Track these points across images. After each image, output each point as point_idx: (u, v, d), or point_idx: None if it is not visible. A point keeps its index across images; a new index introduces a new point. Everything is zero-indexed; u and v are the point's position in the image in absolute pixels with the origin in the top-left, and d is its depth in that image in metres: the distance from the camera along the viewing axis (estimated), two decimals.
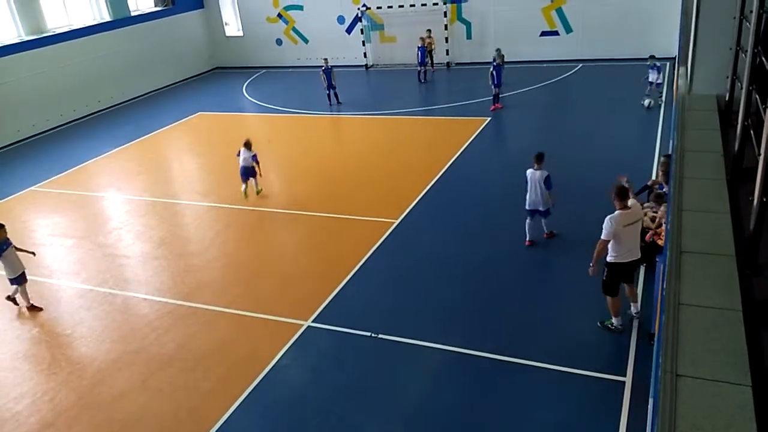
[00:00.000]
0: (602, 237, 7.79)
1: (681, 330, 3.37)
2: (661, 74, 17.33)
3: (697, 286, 3.78)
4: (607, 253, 7.98)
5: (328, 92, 20.69)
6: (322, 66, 20.61)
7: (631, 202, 7.88)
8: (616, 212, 7.76)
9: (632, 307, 8.59)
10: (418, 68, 22.82)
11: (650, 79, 17.33)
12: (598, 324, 8.53)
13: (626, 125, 16.03)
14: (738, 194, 5.01)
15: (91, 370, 8.71)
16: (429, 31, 23.84)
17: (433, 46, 23.70)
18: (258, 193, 14.02)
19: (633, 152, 14.07)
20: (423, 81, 22.91)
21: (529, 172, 10.45)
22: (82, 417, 7.85)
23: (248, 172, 13.78)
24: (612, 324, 8.40)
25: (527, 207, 10.55)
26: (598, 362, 7.80)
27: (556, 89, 20.46)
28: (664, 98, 17.43)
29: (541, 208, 10.39)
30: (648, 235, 9.34)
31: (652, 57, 17.30)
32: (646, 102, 17.25)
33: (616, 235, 7.74)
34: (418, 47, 22.72)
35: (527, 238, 10.74)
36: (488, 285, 9.83)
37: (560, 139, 16.12)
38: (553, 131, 16.88)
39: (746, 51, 5.20)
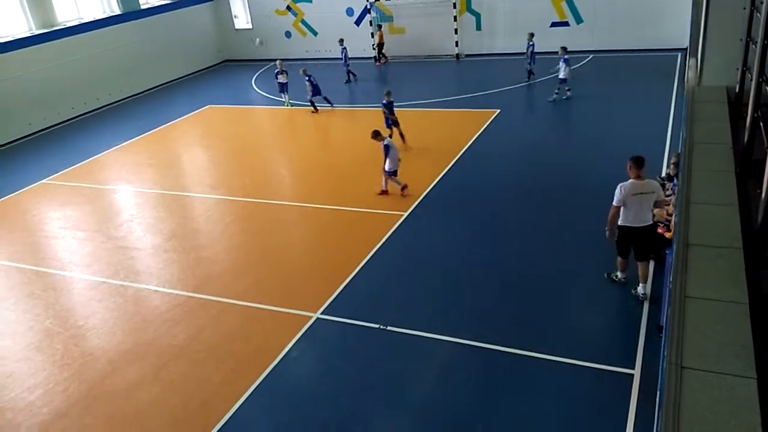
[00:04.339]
0: (613, 203, 8.38)
1: (687, 322, 3.37)
2: (568, 68, 17.32)
3: (703, 279, 3.77)
4: (619, 219, 8.54)
5: (391, 129, 16.07)
6: (383, 101, 16.07)
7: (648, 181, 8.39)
8: (628, 181, 8.26)
9: (640, 287, 8.79)
10: (346, 68, 23.11)
11: (561, 75, 17.38)
12: (605, 275, 9.24)
13: (637, 117, 15.93)
14: (747, 187, 4.98)
15: (103, 362, 8.81)
16: (380, 26, 25.14)
17: (382, 41, 24.97)
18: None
19: (643, 144, 13.96)
20: (348, 81, 23.09)
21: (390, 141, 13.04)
22: (95, 407, 7.95)
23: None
24: (617, 276, 9.10)
25: (393, 168, 12.85)
26: (607, 355, 7.79)
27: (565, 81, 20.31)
28: (567, 94, 17.76)
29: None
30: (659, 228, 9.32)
31: (563, 48, 17.31)
32: (553, 97, 17.76)
33: (624, 203, 8.29)
34: (341, 49, 23.04)
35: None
36: (497, 277, 9.83)
37: (570, 130, 16.08)
38: (561, 124, 16.83)
39: (757, 42, 5.15)
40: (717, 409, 2.88)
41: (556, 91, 17.78)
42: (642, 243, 8.61)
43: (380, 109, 16.14)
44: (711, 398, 2.93)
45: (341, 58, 23.06)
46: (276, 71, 20.62)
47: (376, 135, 13.02)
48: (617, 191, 8.29)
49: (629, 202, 8.27)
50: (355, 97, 21.06)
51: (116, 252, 11.99)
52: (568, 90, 17.74)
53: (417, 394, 7.59)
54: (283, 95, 20.67)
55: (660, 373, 4.39)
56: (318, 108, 19.58)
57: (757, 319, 3.51)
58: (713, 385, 3.00)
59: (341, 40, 23.22)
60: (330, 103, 19.70)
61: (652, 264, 9.25)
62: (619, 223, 8.53)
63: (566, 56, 17.17)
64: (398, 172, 12.94)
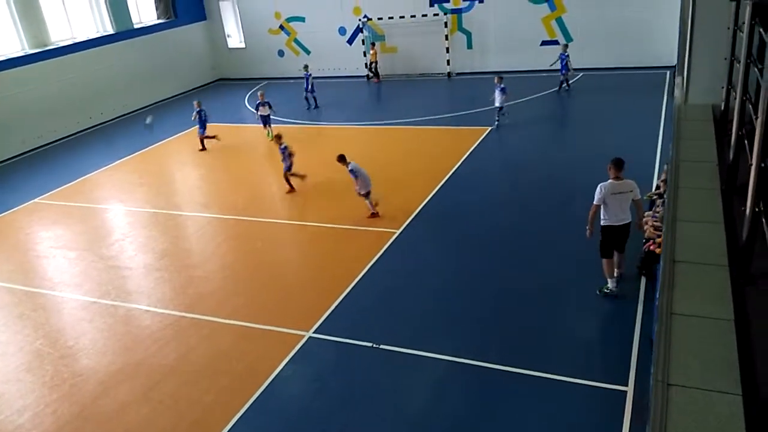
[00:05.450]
0: (594, 202, 8.84)
1: (673, 340, 3.39)
2: (504, 96, 17.36)
3: (689, 296, 3.80)
4: (600, 219, 8.99)
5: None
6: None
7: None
8: (608, 181, 8.73)
9: (615, 271, 9.20)
10: (305, 94, 22.11)
11: (496, 103, 17.40)
12: (597, 292, 9.30)
13: (628, 134, 16.05)
14: (732, 204, 5.03)
15: (93, 383, 8.74)
16: (373, 44, 25.18)
17: (375, 59, 25.13)
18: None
19: (634, 160, 14.00)
20: (309, 108, 22.14)
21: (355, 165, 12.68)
22: (85, 429, 7.87)
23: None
24: (608, 288, 9.23)
25: (365, 190, 12.68)
26: (599, 372, 7.79)
27: (556, 98, 20.53)
28: (505, 119, 17.78)
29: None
30: (647, 244, 9.39)
31: (500, 78, 17.41)
32: (498, 122, 17.76)
33: (604, 202, 8.77)
34: (305, 75, 21.99)
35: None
36: (489, 295, 9.84)
37: (560, 148, 16.20)
38: (553, 140, 16.95)
39: (740, 61, 5.23)
40: (703, 427, 2.89)
41: (497, 118, 17.78)
42: (622, 239, 9.08)
43: (366, 126, 16.08)
44: (697, 415, 2.94)
45: (305, 84, 22.05)
46: (257, 102, 19.37)
47: (342, 159, 12.77)
48: (597, 191, 8.76)
49: (609, 201, 8.76)
50: (346, 116, 21.15)
51: (107, 271, 11.95)
52: (498, 118, 17.69)
53: (410, 412, 7.55)
54: (265, 128, 19.32)
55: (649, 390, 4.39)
56: (206, 144, 18.96)
57: (743, 335, 3.53)
58: (699, 402, 3.01)
59: (306, 66, 22.42)
60: (214, 137, 18.97)
61: (642, 280, 9.33)
62: (602, 223, 8.99)
63: (502, 85, 17.24)
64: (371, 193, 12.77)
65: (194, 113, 18.77)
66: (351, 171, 12.60)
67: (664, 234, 4.53)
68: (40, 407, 8.35)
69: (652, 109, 17.66)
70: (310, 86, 22.08)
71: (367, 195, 12.72)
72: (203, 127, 18.86)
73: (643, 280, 9.39)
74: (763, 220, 3.71)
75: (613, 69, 22.61)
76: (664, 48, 21.16)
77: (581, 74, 22.49)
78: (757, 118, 3.97)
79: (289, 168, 14.78)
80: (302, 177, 14.86)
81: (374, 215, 12.77)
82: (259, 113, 19.37)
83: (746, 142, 4.97)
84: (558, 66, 20.66)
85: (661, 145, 14.88)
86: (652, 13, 21.60)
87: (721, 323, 3.55)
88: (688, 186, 5.35)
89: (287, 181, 14.81)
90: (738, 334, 3.49)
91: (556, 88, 20.86)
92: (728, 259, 4.19)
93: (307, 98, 22.25)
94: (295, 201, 14.63)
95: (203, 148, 19.00)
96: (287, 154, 14.67)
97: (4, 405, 8.48)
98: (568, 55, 20.50)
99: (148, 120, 19.80)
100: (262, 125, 19.44)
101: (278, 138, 15.05)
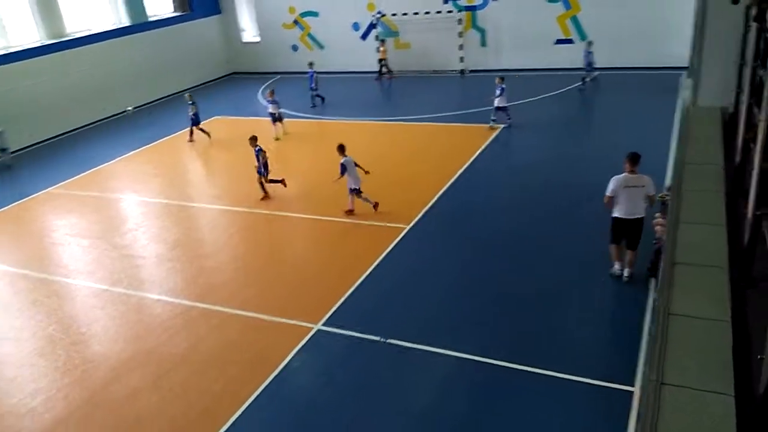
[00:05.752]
0: (606, 193, 9.16)
1: (669, 339, 3.45)
2: (503, 97, 17.18)
3: (687, 297, 3.84)
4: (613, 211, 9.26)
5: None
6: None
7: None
8: (622, 174, 8.97)
9: (625, 270, 9.45)
10: (311, 92, 21.97)
11: (495, 103, 17.29)
12: (609, 275, 9.60)
13: (641, 134, 15.96)
14: (737, 207, 5.06)
15: (104, 369, 8.90)
16: (383, 41, 25.16)
17: (385, 57, 25.08)
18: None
19: (645, 162, 14.00)
20: (314, 106, 21.97)
21: (348, 160, 12.80)
22: (95, 415, 8.04)
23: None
24: (613, 270, 9.57)
25: (356, 186, 12.86)
26: (606, 372, 7.78)
27: (570, 97, 20.47)
28: (492, 119, 17.64)
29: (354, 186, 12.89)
30: (657, 243, 9.40)
31: (501, 78, 17.31)
32: (490, 124, 17.65)
33: (616, 194, 9.04)
34: (310, 73, 21.79)
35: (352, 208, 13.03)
36: (497, 292, 9.88)
37: (573, 147, 16.17)
38: (564, 140, 16.89)
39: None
40: (697, 426, 2.94)
41: (493, 117, 17.65)
42: (633, 234, 9.23)
43: (377, 122, 16.10)
44: (689, 415, 3.00)
45: (309, 82, 21.92)
46: (267, 100, 19.34)
47: (341, 150, 12.78)
48: (610, 183, 9.04)
49: (621, 193, 8.99)
50: (357, 111, 21.20)
51: (120, 260, 12.12)
52: (509, 117, 17.58)
53: (416, 407, 7.63)
54: (275, 126, 18.95)
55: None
56: (208, 135, 19.38)
57: (741, 337, 3.58)
58: (692, 401, 3.06)
59: (311, 63, 22.19)
60: (207, 133, 19.40)
61: (653, 281, 9.34)
62: (613, 214, 9.25)
63: (503, 85, 17.14)
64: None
65: (190, 107, 19.08)
66: (341, 164, 12.68)
67: (667, 236, 4.58)
68: (52, 391, 8.52)
69: (666, 109, 17.57)
70: (314, 84, 21.98)
71: (358, 192, 12.80)
72: (197, 120, 19.27)
73: (653, 281, 9.37)
74: (764, 223, 3.76)
75: (628, 69, 22.47)
76: (679, 48, 21.01)
77: (595, 73, 22.40)
78: (760, 122, 4.01)
79: (266, 173, 14.24)
80: (265, 195, 14.37)
81: (376, 206, 12.92)
82: (269, 111, 19.35)
83: (752, 145, 4.99)
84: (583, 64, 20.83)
85: (675, 146, 14.82)
86: (668, 13, 21.45)
87: (717, 324, 3.60)
88: (692, 188, 5.38)
89: (261, 186, 14.28)
90: (736, 336, 3.53)
91: (580, 84, 21.00)
92: (731, 262, 4.23)
93: (312, 96, 22.12)
94: (306, 195, 14.70)
95: (208, 135, 19.39)
96: (261, 158, 14.08)
97: (17, 388, 8.66)
98: (591, 53, 20.61)
99: (129, 108, 21.67)
100: (272, 123, 19.39)
101: (254, 140, 14.35)
